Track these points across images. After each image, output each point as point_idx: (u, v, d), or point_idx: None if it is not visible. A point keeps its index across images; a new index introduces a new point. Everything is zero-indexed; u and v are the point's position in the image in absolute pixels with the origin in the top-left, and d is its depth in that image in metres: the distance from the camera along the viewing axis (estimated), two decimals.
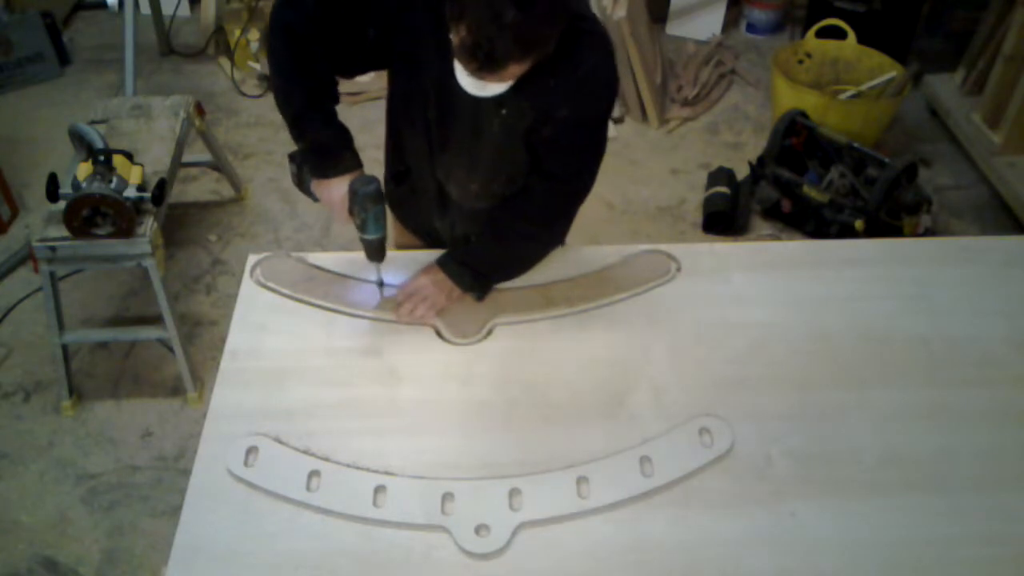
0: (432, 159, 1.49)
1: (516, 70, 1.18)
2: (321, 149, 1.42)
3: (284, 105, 1.43)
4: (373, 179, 1.38)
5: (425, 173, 1.53)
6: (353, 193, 1.37)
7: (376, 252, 1.45)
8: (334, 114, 1.42)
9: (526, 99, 1.31)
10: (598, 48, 1.32)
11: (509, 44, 1.12)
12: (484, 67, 1.16)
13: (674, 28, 4.01)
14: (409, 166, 1.56)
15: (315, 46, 1.35)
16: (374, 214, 1.38)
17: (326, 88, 1.41)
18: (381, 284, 1.51)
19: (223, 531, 1.18)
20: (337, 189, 1.41)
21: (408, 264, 1.55)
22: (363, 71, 1.46)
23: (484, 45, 1.12)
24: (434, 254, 1.54)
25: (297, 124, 1.42)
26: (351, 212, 1.40)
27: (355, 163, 1.42)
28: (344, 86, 1.49)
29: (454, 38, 1.15)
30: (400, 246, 1.77)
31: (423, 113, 1.43)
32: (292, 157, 1.50)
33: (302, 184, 1.51)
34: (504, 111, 1.34)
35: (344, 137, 1.42)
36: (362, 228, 1.40)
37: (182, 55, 3.90)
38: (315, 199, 1.49)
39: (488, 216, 1.52)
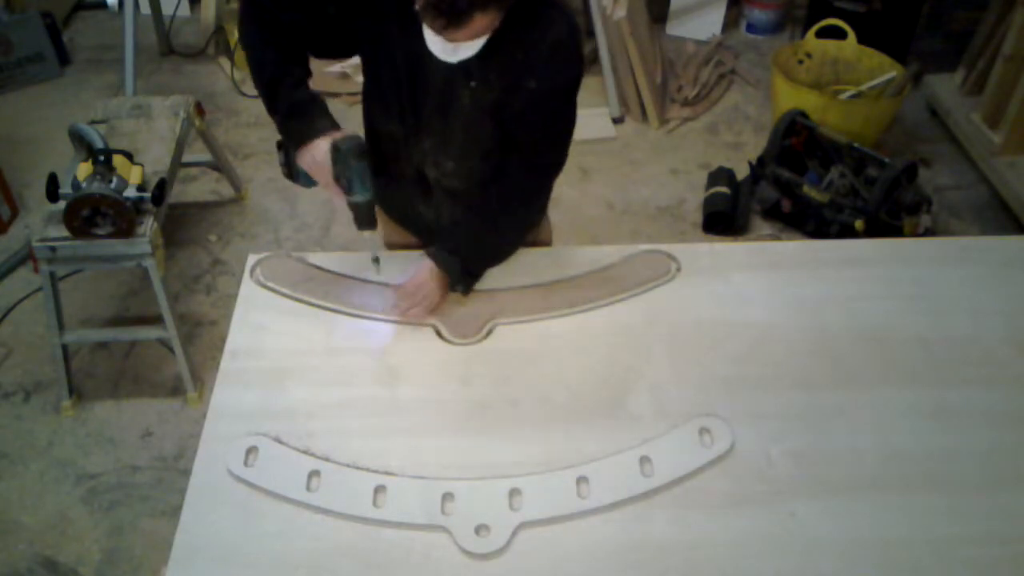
0: (407, 142, 1.49)
1: (481, 22, 1.19)
2: (296, 112, 1.41)
3: (257, 77, 1.43)
4: (354, 135, 1.36)
5: (402, 157, 1.53)
6: (335, 151, 1.35)
7: (365, 217, 1.41)
8: (305, 80, 1.43)
9: (494, 71, 1.33)
10: (562, 21, 1.35)
11: None
12: (450, 22, 1.17)
13: (674, 28, 4.01)
14: (386, 153, 1.54)
15: (281, 15, 1.37)
16: (358, 171, 1.35)
17: (295, 57, 1.42)
18: (377, 260, 1.49)
19: (223, 531, 1.18)
20: (319, 150, 1.39)
21: (403, 263, 1.55)
22: (331, 53, 1.47)
23: None
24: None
25: (270, 92, 1.42)
26: (336, 178, 1.37)
27: (332, 124, 1.41)
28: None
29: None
30: (391, 245, 1.77)
31: (396, 96, 1.43)
32: (279, 145, 1.49)
33: (291, 171, 1.49)
34: (473, 83, 1.35)
35: (318, 101, 1.42)
36: (348, 189, 1.37)
37: (182, 55, 3.90)
38: (307, 183, 1.47)
39: (467, 205, 1.52)
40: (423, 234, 1.67)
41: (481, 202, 1.51)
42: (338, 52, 1.48)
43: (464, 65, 1.30)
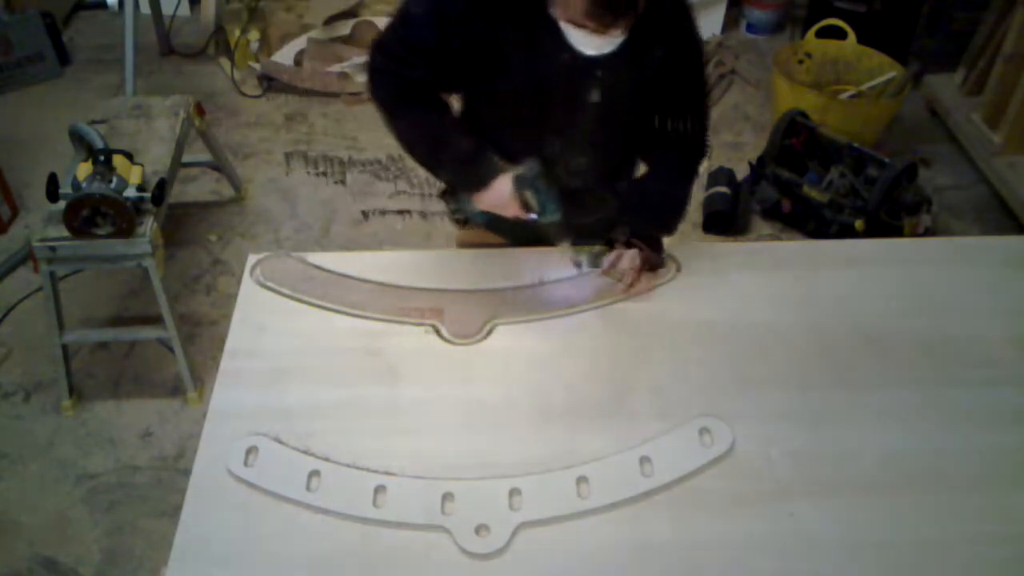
0: (527, 150, 1.48)
1: (643, 4, 1.21)
2: (467, 160, 1.42)
3: (410, 142, 1.44)
4: (530, 162, 1.40)
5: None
6: (523, 181, 1.39)
7: (561, 233, 1.47)
8: (460, 127, 1.44)
9: (618, 53, 1.34)
10: None
11: None
12: (618, 17, 1.19)
13: None
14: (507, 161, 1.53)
15: (409, 73, 1.38)
16: (548, 193, 1.40)
17: (437, 107, 1.43)
18: (580, 265, 1.53)
19: (223, 531, 1.18)
20: (502, 187, 1.40)
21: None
22: (457, 86, 1.49)
23: None
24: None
25: (431, 153, 1.44)
26: (525, 205, 1.41)
27: (501, 161, 1.42)
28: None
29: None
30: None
31: (515, 110, 1.44)
32: (443, 197, 1.53)
33: (466, 217, 1.55)
34: (599, 73, 1.36)
35: (483, 145, 1.43)
36: (542, 211, 1.42)
37: (182, 55, 3.90)
38: (480, 221, 1.54)
39: (627, 198, 1.56)
40: (520, 239, 1.65)
41: (639, 195, 1.55)
42: (463, 83, 1.48)
43: (590, 57, 1.32)
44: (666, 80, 1.42)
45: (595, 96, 1.39)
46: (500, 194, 1.41)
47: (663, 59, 1.38)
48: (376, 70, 1.42)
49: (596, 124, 1.44)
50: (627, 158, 1.59)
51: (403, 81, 1.39)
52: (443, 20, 1.34)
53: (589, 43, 1.29)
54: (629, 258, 1.52)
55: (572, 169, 1.50)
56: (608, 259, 1.53)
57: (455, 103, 1.53)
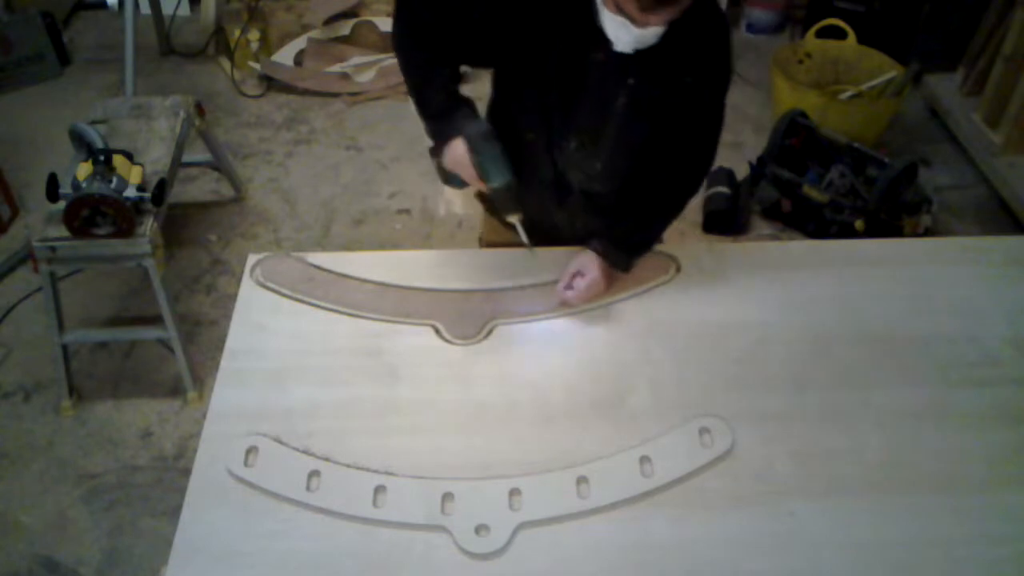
0: (549, 147, 1.49)
1: (686, 2, 1.21)
2: (440, 114, 1.42)
3: (407, 80, 1.46)
4: (481, 122, 1.38)
5: (544, 162, 1.52)
6: (467, 140, 1.36)
7: (506, 202, 1.41)
8: (452, 84, 1.43)
9: (654, 66, 1.34)
10: (719, 17, 1.40)
11: None
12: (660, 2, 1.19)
13: None
14: (523, 159, 1.50)
15: (424, 13, 1.39)
16: (490, 157, 1.36)
17: (443, 59, 1.42)
18: (532, 247, 1.49)
19: (223, 531, 1.18)
20: (458, 147, 1.39)
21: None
22: (479, 60, 1.48)
23: None
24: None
25: (417, 95, 1.44)
26: (477, 168, 1.38)
27: (470, 121, 1.40)
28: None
29: None
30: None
31: (542, 100, 1.43)
32: (431, 152, 1.49)
33: (446, 175, 1.49)
34: (631, 80, 1.36)
35: (462, 102, 1.42)
36: (485, 177, 1.38)
37: (182, 55, 3.90)
38: (459, 184, 1.47)
39: (620, 201, 1.55)
40: (542, 238, 1.64)
41: (641, 203, 1.54)
42: (485, 59, 1.47)
43: (624, 62, 1.32)
44: (688, 107, 1.41)
45: (622, 103, 1.39)
46: (455, 154, 1.40)
47: (691, 86, 1.38)
48: (399, 14, 1.44)
49: (617, 132, 1.44)
50: (640, 173, 1.57)
51: (417, 21, 1.40)
52: None
53: (625, 35, 1.27)
54: (591, 286, 1.49)
55: (588, 173, 1.50)
56: (569, 271, 1.51)
57: (487, 86, 1.53)
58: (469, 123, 1.40)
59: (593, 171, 1.50)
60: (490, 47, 1.41)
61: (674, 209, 1.59)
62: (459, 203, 3.07)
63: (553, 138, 1.47)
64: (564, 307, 1.50)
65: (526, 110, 1.46)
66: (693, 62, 1.36)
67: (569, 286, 1.50)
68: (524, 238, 1.51)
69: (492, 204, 1.43)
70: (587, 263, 1.50)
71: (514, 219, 1.47)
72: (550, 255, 1.60)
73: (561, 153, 1.49)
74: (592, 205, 1.57)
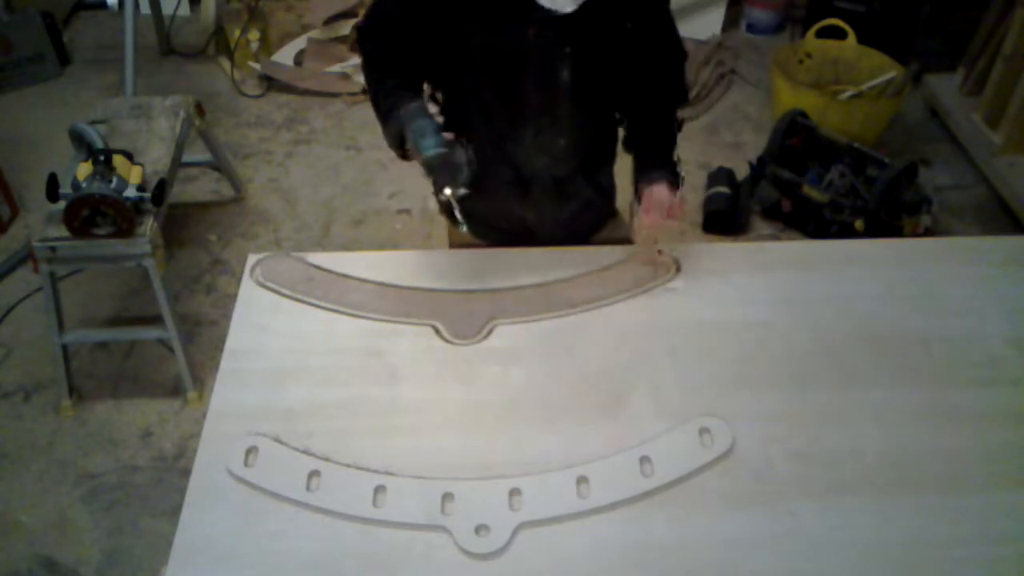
0: (504, 142, 1.50)
1: None
2: (387, 115, 1.44)
3: (376, 111, 1.48)
4: (415, 103, 1.37)
5: (498, 159, 1.53)
6: (401, 122, 1.36)
7: (438, 174, 1.33)
8: (395, 87, 1.44)
9: (589, 24, 1.35)
10: None
11: None
12: None
13: None
14: (480, 167, 1.48)
15: (383, 45, 1.45)
16: (416, 130, 1.33)
17: (393, 76, 1.46)
18: (464, 225, 1.39)
19: (223, 531, 1.18)
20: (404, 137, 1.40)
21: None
22: (425, 75, 1.51)
23: None
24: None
25: (379, 112, 1.46)
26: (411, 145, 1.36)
27: (408, 107, 1.40)
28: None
29: None
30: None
31: (482, 97, 1.45)
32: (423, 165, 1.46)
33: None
34: (568, 48, 1.37)
35: (403, 96, 1.42)
36: (417, 148, 1.33)
37: (182, 55, 3.90)
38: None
39: (632, 142, 1.58)
40: (518, 241, 1.65)
41: (641, 139, 1.57)
42: (428, 75, 1.50)
43: (560, 31, 1.33)
44: (640, 48, 1.43)
45: (566, 75, 1.40)
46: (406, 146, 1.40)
47: (632, 30, 1.39)
48: (359, 29, 1.49)
49: (570, 104, 1.45)
50: (606, 137, 1.62)
51: (371, 46, 1.45)
52: None
53: None
54: (662, 193, 1.49)
55: (553, 154, 1.51)
56: (641, 212, 1.51)
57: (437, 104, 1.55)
58: (407, 110, 1.39)
59: (557, 150, 1.51)
60: (433, 54, 1.43)
61: (674, 119, 1.60)
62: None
63: (503, 135, 1.48)
64: (650, 236, 1.51)
65: (470, 110, 1.48)
66: (626, 6, 1.37)
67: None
68: (459, 215, 1.40)
69: (433, 187, 1.38)
70: (651, 193, 1.50)
71: (448, 193, 1.35)
72: (549, 255, 1.60)
73: (518, 146, 1.50)
74: (559, 191, 1.59)
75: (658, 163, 1.53)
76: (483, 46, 1.39)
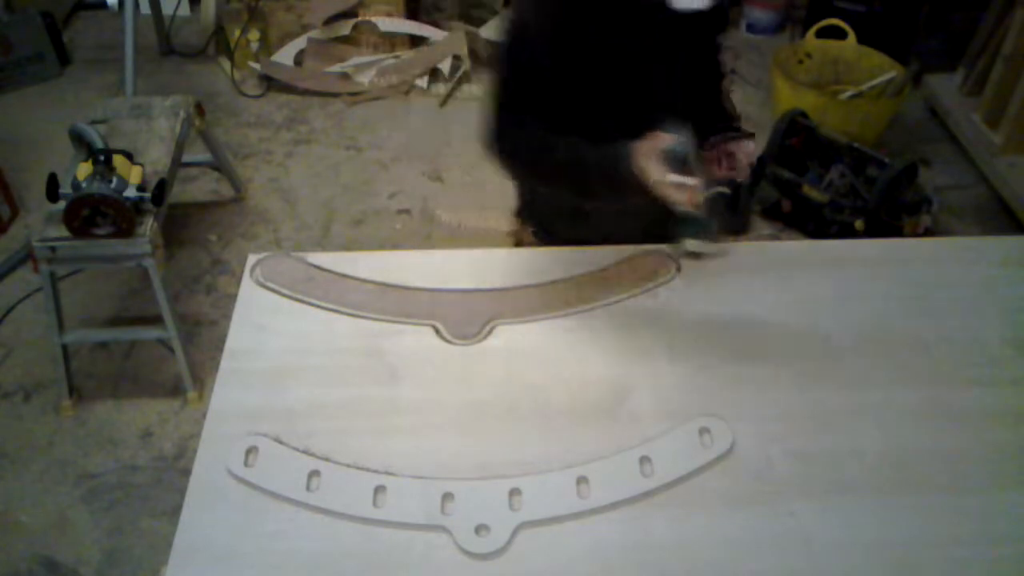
0: (636, 129, 1.44)
1: None
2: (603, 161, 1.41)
3: (574, 175, 1.44)
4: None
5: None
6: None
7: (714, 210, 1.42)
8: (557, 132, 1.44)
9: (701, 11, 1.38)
10: None
11: None
12: None
13: None
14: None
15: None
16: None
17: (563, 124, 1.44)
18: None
19: (223, 531, 1.18)
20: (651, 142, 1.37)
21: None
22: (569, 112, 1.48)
23: None
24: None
25: (597, 167, 1.42)
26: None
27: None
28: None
29: None
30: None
31: (617, 97, 1.47)
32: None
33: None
34: (686, 37, 1.46)
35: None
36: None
37: (182, 55, 3.90)
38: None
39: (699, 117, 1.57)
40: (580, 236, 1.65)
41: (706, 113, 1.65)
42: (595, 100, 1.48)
43: (680, 23, 1.37)
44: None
45: (680, 64, 1.49)
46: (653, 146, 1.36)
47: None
48: (498, 119, 1.43)
49: (685, 87, 1.52)
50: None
51: (522, 127, 1.42)
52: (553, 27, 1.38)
53: None
54: (745, 148, 1.59)
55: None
56: (715, 163, 1.58)
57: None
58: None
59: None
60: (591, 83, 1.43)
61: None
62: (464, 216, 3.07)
63: (632, 124, 1.43)
64: (722, 179, 1.58)
65: (601, 112, 1.47)
66: None
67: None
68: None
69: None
70: (726, 147, 1.58)
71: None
72: (549, 255, 1.60)
73: (648, 127, 1.46)
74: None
75: (722, 127, 1.60)
76: (614, 47, 1.41)
